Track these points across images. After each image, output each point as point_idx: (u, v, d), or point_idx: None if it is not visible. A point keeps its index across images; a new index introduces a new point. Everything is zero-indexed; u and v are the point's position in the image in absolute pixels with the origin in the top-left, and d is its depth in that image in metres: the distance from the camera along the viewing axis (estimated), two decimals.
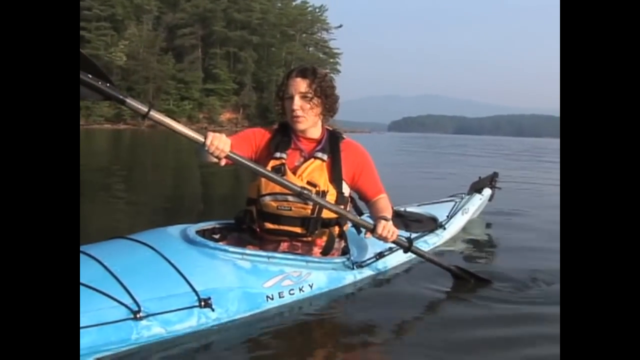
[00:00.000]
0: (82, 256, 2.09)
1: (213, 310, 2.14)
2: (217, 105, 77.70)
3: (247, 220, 2.74)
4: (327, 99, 2.72)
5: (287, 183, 2.48)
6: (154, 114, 2.17)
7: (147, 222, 4.68)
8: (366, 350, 2.16)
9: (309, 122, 2.70)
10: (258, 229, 2.73)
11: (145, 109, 2.15)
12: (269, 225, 2.68)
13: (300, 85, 2.66)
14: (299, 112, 2.65)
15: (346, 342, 2.23)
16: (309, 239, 2.69)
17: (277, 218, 2.66)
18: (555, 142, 74.07)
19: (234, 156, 2.32)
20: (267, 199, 2.66)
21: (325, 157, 2.72)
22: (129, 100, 2.11)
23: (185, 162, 14.14)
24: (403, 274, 3.14)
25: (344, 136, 2.86)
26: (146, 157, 16.18)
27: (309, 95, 2.65)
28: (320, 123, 2.79)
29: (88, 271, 1.98)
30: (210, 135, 2.25)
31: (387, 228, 2.62)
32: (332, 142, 2.78)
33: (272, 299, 2.40)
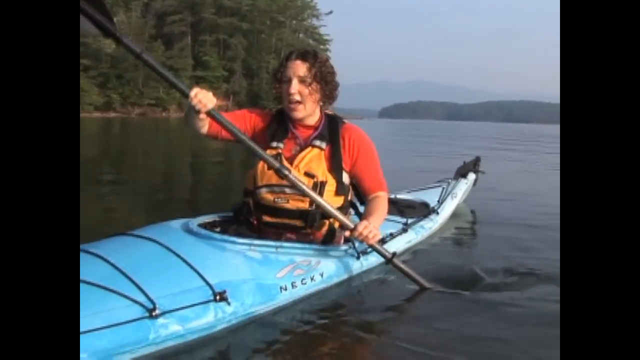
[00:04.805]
0: (86, 255, 2.02)
1: (229, 304, 2.07)
2: None
3: (244, 212, 2.65)
4: (326, 85, 2.59)
5: (264, 155, 2.43)
6: (146, 56, 2.27)
7: (142, 214, 4.67)
8: (381, 341, 2.15)
9: (307, 109, 2.58)
10: (256, 222, 2.64)
11: (138, 50, 2.25)
12: (267, 218, 2.61)
13: (300, 68, 2.54)
14: (296, 97, 2.53)
15: (362, 335, 2.19)
16: (308, 231, 2.59)
17: (274, 211, 2.57)
18: (545, 128, 74.37)
19: (215, 114, 2.35)
20: (264, 191, 2.56)
21: (323, 145, 2.59)
22: (125, 40, 2.24)
23: (177, 151, 14.08)
24: (406, 258, 3.17)
25: (345, 121, 2.73)
26: (137, 145, 16.06)
27: (308, 79, 2.53)
28: (318, 110, 2.66)
29: (96, 270, 1.92)
30: (196, 88, 2.30)
31: (369, 228, 2.44)
32: (331, 128, 2.65)
33: (286, 289, 2.35)
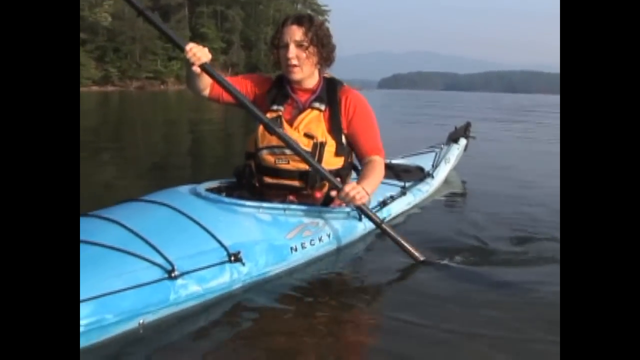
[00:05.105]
0: (101, 220, 2.07)
1: (244, 264, 2.13)
2: None
3: (246, 175, 2.70)
4: (323, 48, 2.64)
5: (252, 108, 2.47)
6: (148, 13, 2.34)
7: (143, 183, 4.71)
8: (388, 301, 2.22)
9: (305, 72, 2.63)
10: (257, 184, 2.68)
11: (141, 7, 2.32)
12: (268, 180, 2.65)
13: (296, 33, 2.58)
14: (294, 61, 2.58)
15: (371, 295, 2.27)
16: (308, 192, 2.63)
17: (275, 172, 2.62)
18: (545, 98, 74.04)
19: (209, 69, 2.42)
20: (265, 152, 2.61)
21: (322, 106, 2.64)
22: None
23: (176, 122, 14.05)
24: (409, 220, 3.32)
25: (344, 84, 2.77)
26: (136, 117, 16.02)
27: (305, 43, 2.58)
28: (316, 73, 2.71)
29: (112, 234, 1.95)
30: (192, 43, 2.38)
31: (357, 189, 2.44)
32: (329, 91, 2.69)
33: (296, 250, 2.42)
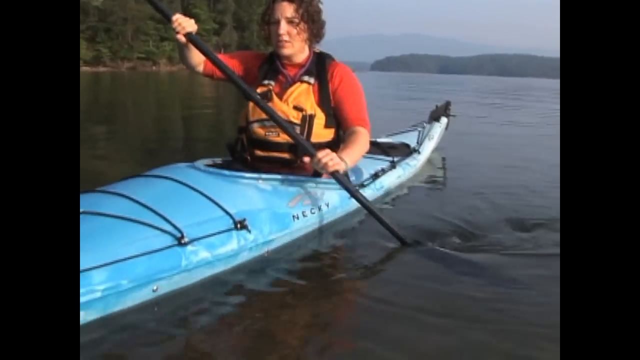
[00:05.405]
0: (106, 194, 2.08)
1: (249, 231, 2.17)
2: None
3: (238, 149, 2.73)
4: (313, 24, 2.65)
5: (233, 76, 2.52)
6: None
7: (137, 162, 4.71)
8: (376, 282, 2.21)
9: (296, 47, 2.64)
10: (249, 157, 2.71)
11: None
12: (259, 153, 2.68)
13: (287, 9, 2.59)
14: (285, 37, 2.59)
15: (370, 263, 2.34)
16: (299, 164, 2.62)
17: (266, 144, 2.64)
18: (538, 82, 74.23)
19: (194, 38, 2.50)
20: (255, 125, 2.64)
21: (311, 80, 2.66)
22: None
23: (168, 102, 14.00)
24: (400, 192, 3.52)
25: (334, 59, 2.78)
26: (127, 98, 15.93)
27: (296, 20, 2.58)
28: (306, 48, 2.72)
29: (119, 205, 1.97)
30: (178, 14, 2.47)
31: (330, 156, 2.38)
32: (319, 65, 2.71)
33: (298, 218, 2.46)
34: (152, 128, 8.17)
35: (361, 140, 2.57)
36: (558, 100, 18.94)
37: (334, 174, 2.45)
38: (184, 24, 2.44)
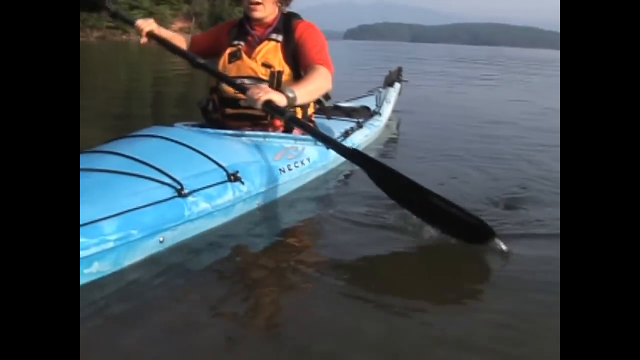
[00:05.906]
0: (99, 153, 2.11)
1: (243, 183, 2.26)
2: (167, 14, 74.05)
3: (209, 108, 2.80)
4: None
5: (179, 49, 2.74)
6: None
7: (111, 130, 4.66)
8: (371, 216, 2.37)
9: (267, 10, 2.72)
10: (220, 116, 2.78)
11: None
12: (230, 111, 2.74)
13: None
14: (256, 0, 2.68)
15: (354, 211, 2.45)
16: (268, 120, 2.70)
17: (235, 102, 2.68)
18: (509, 50, 74.05)
19: (155, 35, 2.72)
20: (225, 84, 2.68)
21: (279, 37, 2.74)
22: None
23: (138, 71, 13.81)
24: (373, 146, 3.92)
25: (300, 17, 2.85)
26: (97, 69, 15.64)
27: None
28: (276, 10, 2.80)
29: (115, 162, 2.00)
30: (139, 19, 2.75)
31: (260, 88, 2.36)
32: (286, 23, 2.78)
33: (284, 171, 2.58)
34: (122, 96, 8.09)
35: (319, 76, 2.55)
36: (528, 70, 19.03)
37: (289, 118, 2.39)
38: (142, 26, 2.68)
